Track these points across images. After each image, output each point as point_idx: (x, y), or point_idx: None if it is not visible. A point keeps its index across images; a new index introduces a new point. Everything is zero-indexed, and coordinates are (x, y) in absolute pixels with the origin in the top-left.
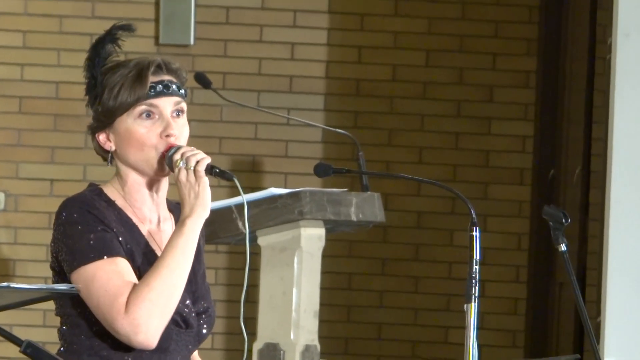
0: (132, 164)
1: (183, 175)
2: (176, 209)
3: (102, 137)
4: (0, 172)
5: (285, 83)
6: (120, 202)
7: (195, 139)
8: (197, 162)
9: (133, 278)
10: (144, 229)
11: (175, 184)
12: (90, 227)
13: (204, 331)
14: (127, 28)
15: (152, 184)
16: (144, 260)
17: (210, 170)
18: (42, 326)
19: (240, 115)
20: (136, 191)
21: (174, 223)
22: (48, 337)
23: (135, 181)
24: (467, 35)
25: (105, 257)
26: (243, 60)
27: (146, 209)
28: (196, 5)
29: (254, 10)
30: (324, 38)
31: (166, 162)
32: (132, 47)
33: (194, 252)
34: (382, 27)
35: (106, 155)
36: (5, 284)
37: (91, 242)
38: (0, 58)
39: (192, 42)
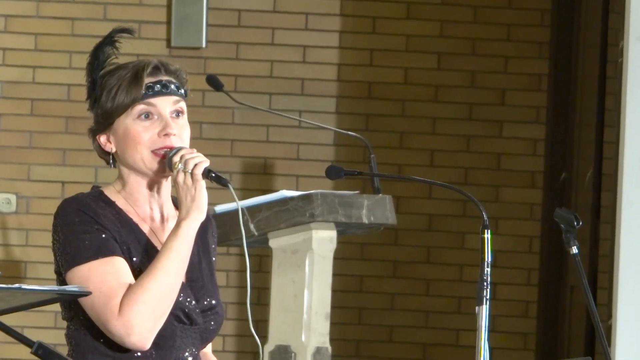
0: (131, 165)
1: (181, 178)
2: None
3: (102, 139)
4: (12, 174)
5: (297, 86)
6: (120, 202)
7: (207, 142)
8: (195, 165)
9: (129, 279)
10: (145, 228)
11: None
12: (85, 227)
13: (211, 328)
14: (127, 31)
15: (152, 184)
16: (146, 259)
17: (207, 174)
18: (53, 328)
19: (252, 117)
20: (137, 191)
21: None
22: (59, 339)
23: (136, 181)
24: (479, 38)
25: (100, 257)
26: (255, 62)
27: (148, 208)
28: (208, 8)
29: (266, 13)
30: (335, 41)
31: (167, 163)
32: (143, 49)
33: (189, 253)
34: (394, 30)
35: (107, 158)
36: (16, 285)
37: (86, 242)
38: (12, 60)
39: (204, 44)
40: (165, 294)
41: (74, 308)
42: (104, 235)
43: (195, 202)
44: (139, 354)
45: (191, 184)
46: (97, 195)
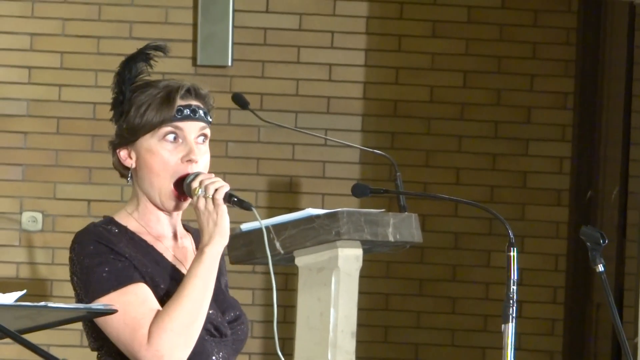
0: (146, 188)
1: (202, 204)
2: (194, 231)
3: (123, 153)
4: (38, 193)
5: (323, 104)
6: (132, 225)
7: (232, 160)
8: (216, 190)
9: (153, 304)
10: (161, 247)
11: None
12: (101, 258)
13: (240, 338)
14: (161, 48)
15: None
16: (167, 278)
17: (228, 198)
18: (79, 346)
19: (278, 136)
20: (150, 212)
21: (193, 240)
22: (85, 357)
23: (149, 202)
24: (505, 56)
25: (119, 288)
26: (280, 81)
27: (160, 228)
28: (234, 27)
29: (292, 32)
30: (361, 59)
31: (184, 189)
32: (169, 68)
33: (214, 279)
34: (419, 48)
35: (125, 172)
36: (42, 303)
37: (104, 274)
38: (38, 79)
39: (229, 63)
40: (193, 320)
41: (102, 337)
42: (120, 264)
43: (217, 227)
44: None
45: (212, 209)
46: (108, 222)
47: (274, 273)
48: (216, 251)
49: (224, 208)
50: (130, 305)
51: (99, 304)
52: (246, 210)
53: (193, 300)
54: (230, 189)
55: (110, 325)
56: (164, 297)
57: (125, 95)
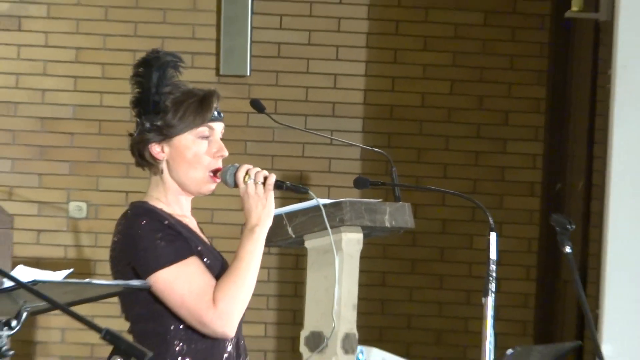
0: (180, 176)
1: (252, 189)
2: None
3: (156, 147)
4: (83, 185)
5: (329, 109)
6: (166, 209)
7: (250, 157)
8: (265, 177)
9: (209, 275)
10: (192, 227)
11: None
12: (161, 234)
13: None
14: (181, 60)
15: (189, 194)
16: (206, 251)
17: (280, 185)
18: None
19: (290, 136)
20: (177, 197)
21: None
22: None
23: (177, 189)
24: (486, 67)
25: (180, 260)
26: (292, 88)
27: (180, 211)
28: (252, 42)
29: (302, 46)
30: (362, 70)
31: (226, 179)
32: (196, 77)
33: (261, 254)
34: (412, 60)
35: (155, 163)
36: (87, 280)
37: (166, 247)
38: (83, 87)
39: (248, 73)
40: (249, 289)
41: (134, 309)
42: (177, 240)
43: (265, 210)
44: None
45: (262, 194)
46: (151, 206)
47: (286, 254)
48: (265, 230)
49: (271, 193)
50: (194, 275)
51: (135, 280)
52: (302, 194)
53: (250, 272)
54: (278, 178)
55: (175, 293)
56: (209, 268)
57: (161, 95)
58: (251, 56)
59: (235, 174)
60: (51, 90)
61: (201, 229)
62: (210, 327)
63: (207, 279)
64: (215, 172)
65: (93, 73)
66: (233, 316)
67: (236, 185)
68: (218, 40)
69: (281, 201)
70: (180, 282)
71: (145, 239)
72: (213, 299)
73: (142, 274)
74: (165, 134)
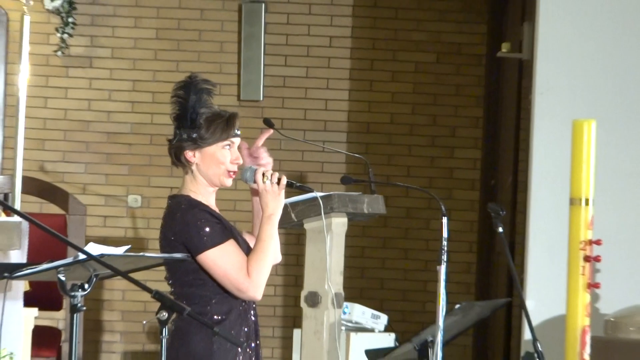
0: (209, 176)
1: (269, 187)
2: None
3: (190, 153)
4: (139, 183)
5: (321, 125)
6: (202, 201)
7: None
8: (279, 178)
9: (242, 253)
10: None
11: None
12: (208, 221)
13: None
14: (212, 84)
15: (214, 188)
16: (237, 235)
17: (291, 184)
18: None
19: (292, 146)
20: (207, 192)
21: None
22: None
23: (208, 186)
24: (438, 94)
25: (224, 241)
26: (294, 110)
27: (210, 201)
28: (264, 75)
29: (301, 78)
30: (346, 96)
31: (246, 178)
32: (222, 102)
33: (277, 235)
34: (383, 89)
35: (186, 163)
36: (141, 253)
37: (213, 232)
38: (138, 110)
39: (261, 98)
40: (270, 263)
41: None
42: (219, 225)
43: (279, 203)
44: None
45: (277, 190)
46: (193, 199)
47: (289, 234)
48: (278, 218)
49: (283, 190)
50: (233, 254)
51: (177, 254)
52: (307, 192)
53: (269, 250)
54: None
55: (219, 268)
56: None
57: (197, 114)
58: (263, 86)
59: (254, 175)
60: (114, 112)
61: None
62: (247, 293)
63: (242, 256)
64: (232, 172)
65: (145, 99)
66: (262, 283)
67: (254, 182)
68: (239, 75)
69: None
70: (224, 260)
71: (195, 225)
72: (247, 272)
73: (193, 252)
74: (199, 144)
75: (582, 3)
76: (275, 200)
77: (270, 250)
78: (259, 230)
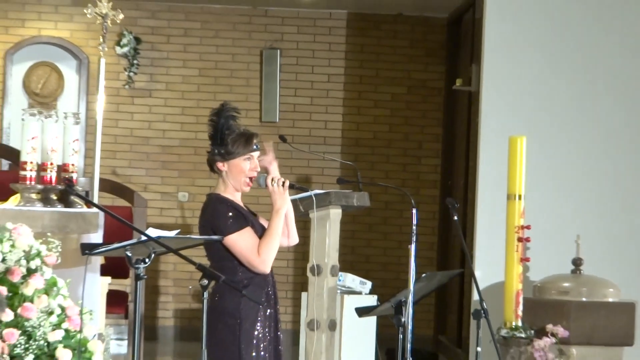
0: (232, 181)
1: (276, 188)
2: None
3: (220, 164)
4: (186, 183)
5: (322, 140)
6: (230, 198)
7: (280, 167)
8: (284, 181)
9: (256, 237)
10: (244, 207)
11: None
12: (230, 213)
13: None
14: (237, 110)
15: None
16: (254, 222)
17: (292, 185)
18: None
19: (301, 155)
20: (233, 192)
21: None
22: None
23: (231, 187)
24: (409, 117)
25: (243, 228)
26: (302, 129)
27: (237, 199)
28: (279, 103)
29: (307, 105)
30: (340, 118)
31: (260, 183)
32: (247, 122)
33: (282, 224)
34: (368, 113)
35: (218, 171)
36: (187, 235)
37: (235, 221)
38: (185, 129)
39: (277, 120)
40: (278, 245)
41: (215, 253)
42: (241, 216)
43: (285, 200)
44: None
45: (282, 191)
46: (222, 196)
47: (298, 221)
48: (284, 211)
49: (287, 191)
50: (248, 239)
51: (212, 236)
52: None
53: (276, 235)
54: (290, 181)
55: (238, 247)
56: (255, 232)
57: (225, 135)
58: (279, 111)
59: (265, 180)
60: (168, 130)
61: (248, 208)
62: (257, 267)
63: (255, 240)
64: (251, 179)
65: (191, 121)
66: (270, 260)
67: (266, 186)
68: (260, 102)
69: (296, 192)
70: (241, 242)
71: (222, 216)
72: (258, 252)
73: (220, 235)
74: (226, 158)
75: (517, 50)
76: (281, 199)
77: (277, 236)
78: (269, 220)
